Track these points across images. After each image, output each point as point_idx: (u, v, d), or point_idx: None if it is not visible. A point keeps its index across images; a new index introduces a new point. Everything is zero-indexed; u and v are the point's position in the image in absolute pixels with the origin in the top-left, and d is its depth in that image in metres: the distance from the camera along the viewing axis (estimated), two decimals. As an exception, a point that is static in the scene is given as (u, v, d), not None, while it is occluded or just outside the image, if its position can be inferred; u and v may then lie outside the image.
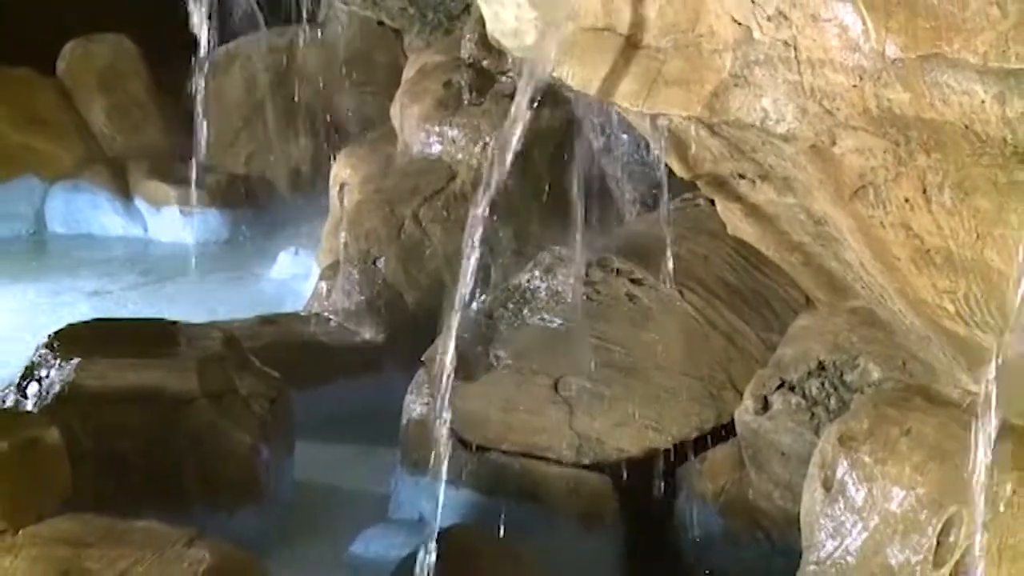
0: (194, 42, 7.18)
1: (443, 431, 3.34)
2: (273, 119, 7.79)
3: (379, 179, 5.75)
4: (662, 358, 4.12)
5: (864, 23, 2.22)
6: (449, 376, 3.22)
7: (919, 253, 2.52)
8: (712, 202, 3.38)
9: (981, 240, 2.39)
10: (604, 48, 2.65)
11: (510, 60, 5.17)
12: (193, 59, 7.56)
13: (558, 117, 5.03)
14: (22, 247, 7.53)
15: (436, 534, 3.27)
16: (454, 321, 3.07)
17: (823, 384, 3.64)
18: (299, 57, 7.63)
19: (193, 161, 7.06)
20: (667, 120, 2.70)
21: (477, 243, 2.89)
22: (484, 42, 5.28)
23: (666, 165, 3.05)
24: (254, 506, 4.17)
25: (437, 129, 5.59)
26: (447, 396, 3.29)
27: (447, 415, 3.32)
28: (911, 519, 2.80)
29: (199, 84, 6.66)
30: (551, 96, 3.01)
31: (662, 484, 4.00)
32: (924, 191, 2.41)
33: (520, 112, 2.73)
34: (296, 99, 7.67)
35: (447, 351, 3.14)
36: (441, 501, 3.55)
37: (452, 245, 5.33)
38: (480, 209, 2.87)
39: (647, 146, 4.38)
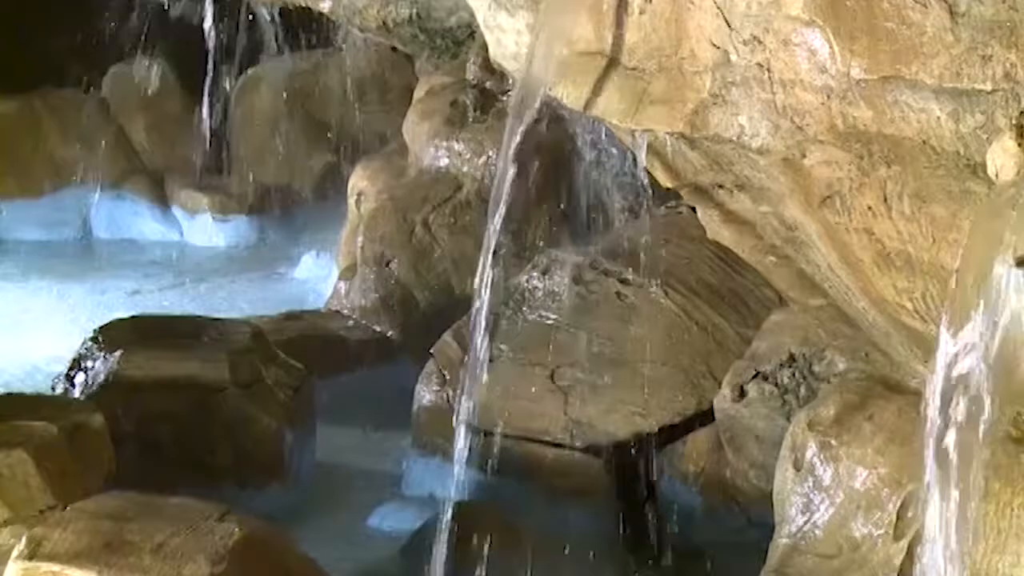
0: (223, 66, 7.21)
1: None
2: (297, 134, 7.78)
3: (392, 189, 5.74)
4: (648, 351, 4.12)
5: (831, 47, 2.22)
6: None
7: (881, 256, 2.52)
8: (694, 209, 3.37)
9: (937, 244, 2.38)
10: (595, 70, 2.65)
11: (511, 81, 5.16)
12: (224, 81, 7.58)
13: (553, 133, 5.03)
14: (70, 251, 7.52)
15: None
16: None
17: (794, 374, 3.64)
18: (320, 79, 7.63)
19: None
20: (652, 135, 2.70)
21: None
22: (487, 65, 5.27)
23: (650, 176, 3.05)
24: (279, 484, 4.17)
25: (445, 144, 5.58)
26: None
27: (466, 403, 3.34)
28: (873, 496, 2.79)
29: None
30: (547, 114, 3.00)
31: (648, 464, 4.00)
32: (885, 200, 2.40)
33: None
34: (318, 117, 7.67)
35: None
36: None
37: (458, 249, 5.33)
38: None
39: (634, 159, 4.37)
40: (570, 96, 2.73)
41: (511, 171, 2.87)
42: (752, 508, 3.66)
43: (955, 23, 2.08)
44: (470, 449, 4.03)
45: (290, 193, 7.77)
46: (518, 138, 2.78)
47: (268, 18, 7.16)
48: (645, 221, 4.48)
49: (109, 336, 4.33)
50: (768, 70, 2.34)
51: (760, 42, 2.34)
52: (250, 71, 7.74)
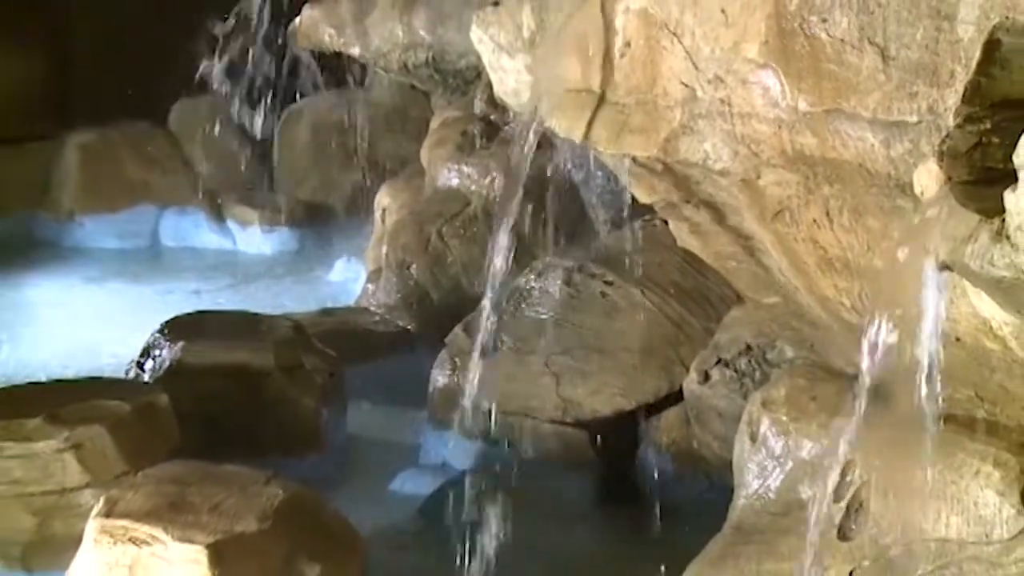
0: (270, 102, 7.22)
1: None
2: (332, 159, 7.78)
3: (412, 204, 5.73)
4: (628, 341, 4.10)
5: (782, 85, 2.21)
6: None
7: (824, 261, 2.51)
8: (666, 222, 3.35)
9: (871, 251, 2.37)
10: (583, 105, 2.64)
11: (512, 114, 5.15)
12: (271, 115, 7.59)
13: (547, 157, 5.01)
14: (141, 258, 7.51)
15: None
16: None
17: (750, 361, 3.62)
18: (351, 112, 7.63)
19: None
20: (631, 159, 2.69)
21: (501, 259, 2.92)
22: (492, 100, 5.26)
23: (631, 193, 3.04)
24: (316, 454, 4.16)
25: (456, 167, 5.57)
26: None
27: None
28: (818, 464, 2.77)
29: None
30: (542, 141, 2.99)
31: (628, 437, 3.98)
32: (828, 214, 2.39)
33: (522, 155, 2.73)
34: (349, 144, 7.66)
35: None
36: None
37: (467, 255, 5.32)
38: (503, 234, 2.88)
39: (616, 179, 4.36)
40: (562, 127, 2.72)
41: (519, 193, 2.87)
42: (715, 474, 3.65)
43: (886, 65, 2.07)
44: (477, 424, 4.03)
45: (326, 208, 7.78)
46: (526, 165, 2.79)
47: (308, 61, 7.17)
48: (625, 232, 4.47)
49: (173, 329, 4.32)
50: (729, 104, 2.34)
51: (722, 81, 2.33)
52: (292, 106, 7.76)
